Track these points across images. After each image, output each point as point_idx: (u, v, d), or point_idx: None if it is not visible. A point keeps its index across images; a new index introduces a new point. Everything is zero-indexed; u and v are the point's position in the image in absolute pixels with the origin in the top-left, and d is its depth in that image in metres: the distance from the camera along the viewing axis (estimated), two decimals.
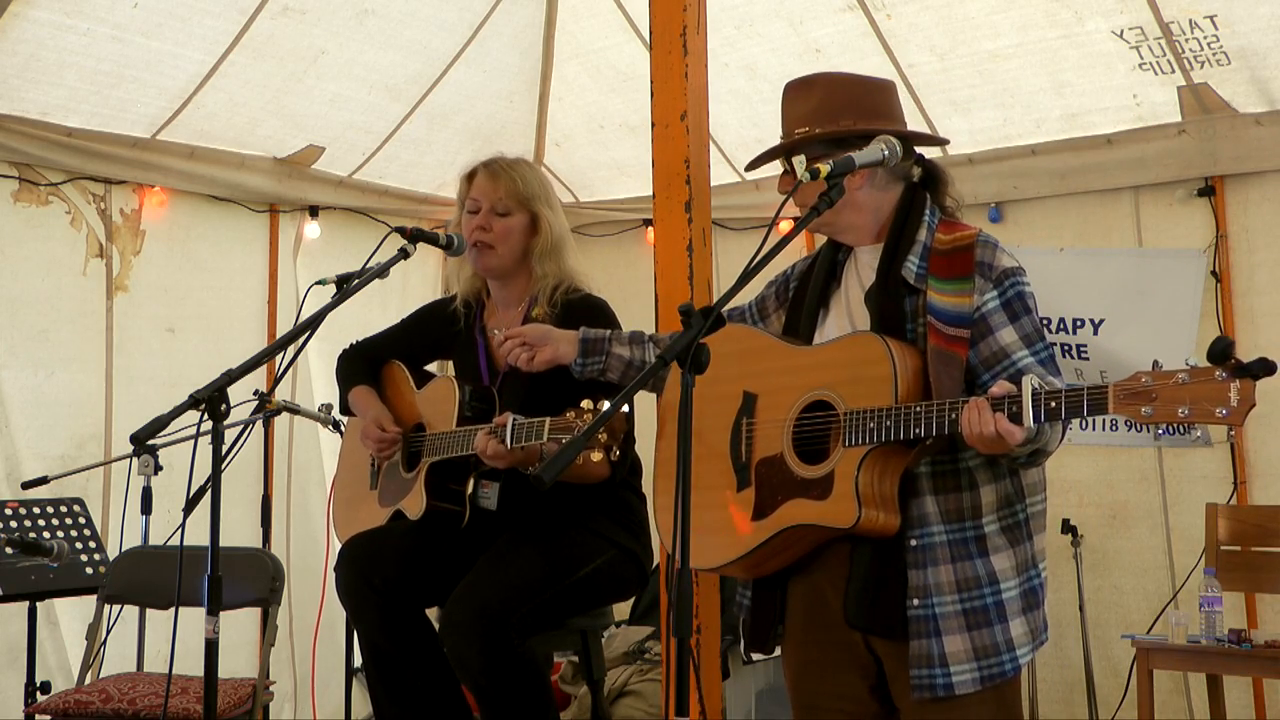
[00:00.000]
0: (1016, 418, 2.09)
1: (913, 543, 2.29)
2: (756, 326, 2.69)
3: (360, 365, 3.52)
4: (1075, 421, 2.41)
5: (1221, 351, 1.91)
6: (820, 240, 2.65)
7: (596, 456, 2.40)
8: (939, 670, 2.26)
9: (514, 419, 2.85)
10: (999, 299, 2.34)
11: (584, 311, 3.21)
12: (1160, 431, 4.35)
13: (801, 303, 2.57)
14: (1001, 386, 2.14)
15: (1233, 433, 4.49)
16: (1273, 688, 4.43)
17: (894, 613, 2.29)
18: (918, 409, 2.22)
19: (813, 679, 2.46)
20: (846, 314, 2.48)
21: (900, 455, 2.29)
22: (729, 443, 2.53)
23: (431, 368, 3.67)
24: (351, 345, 3.57)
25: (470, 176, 3.31)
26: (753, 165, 2.61)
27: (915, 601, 2.28)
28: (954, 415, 2.16)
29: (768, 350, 2.55)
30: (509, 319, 3.33)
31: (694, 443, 2.54)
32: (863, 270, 2.50)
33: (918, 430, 2.21)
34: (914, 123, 4.84)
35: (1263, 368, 1.88)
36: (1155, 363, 2.01)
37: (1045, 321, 4.41)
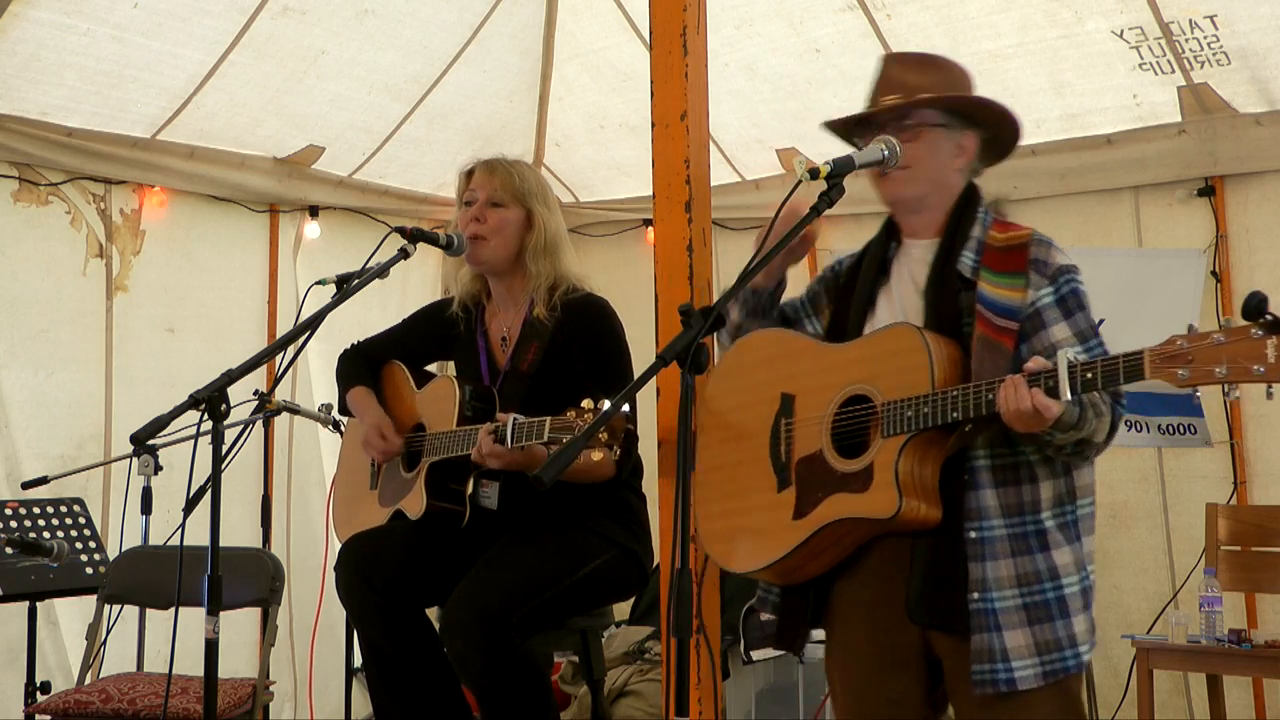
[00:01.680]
0: (1054, 392, 2.07)
1: (971, 535, 2.27)
2: (806, 323, 2.68)
3: (360, 366, 3.51)
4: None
5: (1256, 307, 1.88)
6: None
7: (597, 455, 2.40)
8: (1000, 665, 2.23)
9: (514, 418, 2.85)
10: (1054, 295, 2.33)
11: (585, 311, 3.21)
12: (1165, 428, 4.33)
13: (850, 297, 2.56)
14: (1037, 362, 2.13)
15: (1230, 439, 4.48)
16: (1273, 688, 4.43)
17: (957, 606, 2.26)
18: (954, 392, 2.21)
19: (865, 681, 2.43)
20: (899, 309, 2.47)
21: (940, 444, 2.28)
22: (769, 445, 2.52)
23: (434, 368, 3.67)
24: (351, 345, 3.57)
25: (469, 174, 3.33)
26: (849, 121, 2.59)
27: (975, 595, 2.25)
28: (990, 395, 2.15)
29: (803, 351, 2.54)
30: (509, 319, 3.33)
31: (734, 447, 2.57)
32: (915, 265, 2.49)
33: (955, 413, 2.20)
34: None
35: None
36: (1190, 325, 1.98)
37: None
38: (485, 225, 3.23)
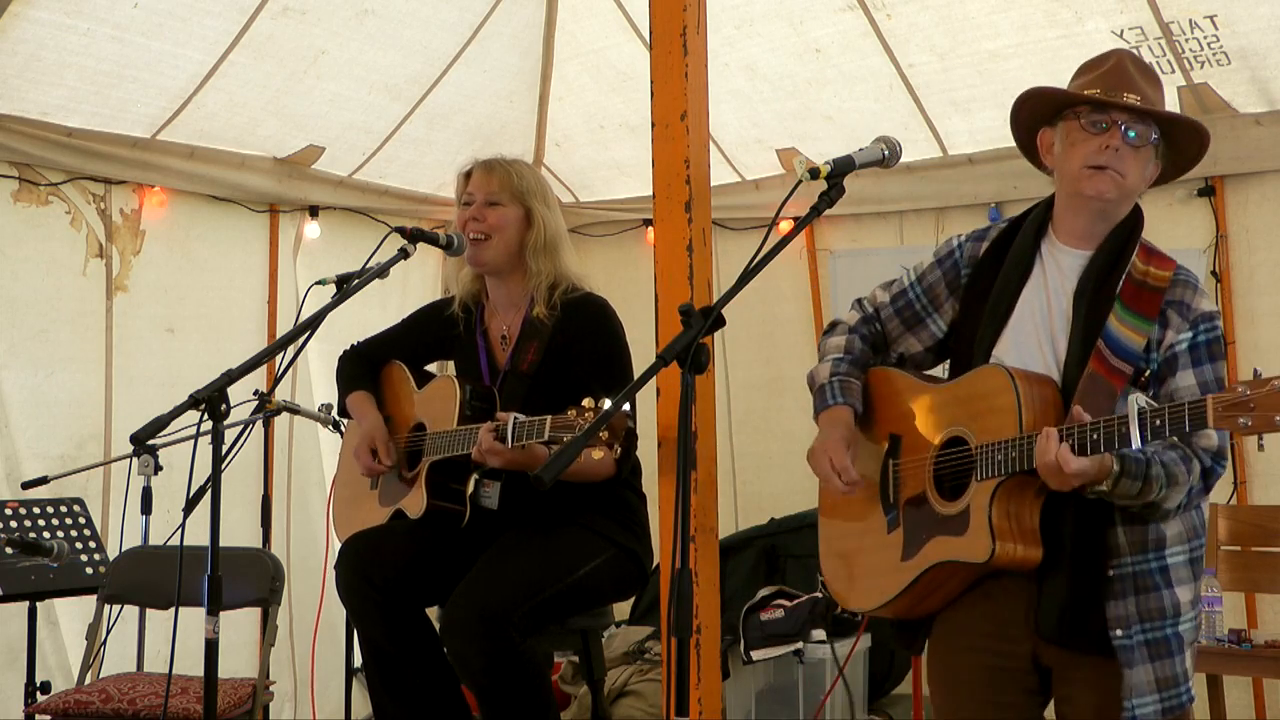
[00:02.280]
0: (1092, 448, 2.08)
1: (1110, 573, 2.27)
2: (929, 321, 2.60)
3: (360, 367, 3.51)
4: None
5: None
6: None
7: (598, 454, 2.39)
8: (1125, 703, 2.24)
9: (515, 417, 2.85)
10: (1190, 341, 2.30)
11: (585, 310, 3.21)
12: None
13: (983, 297, 2.48)
14: (1078, 414, 2.13)
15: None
16: (1273, 688, 4.43)
17: (1093, 632, 2.26)
18: (1032, 433, 2.19)
19: (973, 688, 2.44)
20: (1042, 318, 2.40)
21: (1035, 484, 2.26)
22: (879, 486, 2.55)
23: (434, 367, 3.67)
24: (351, 346, 3.57)
25: (468, 174, 3.33)
26: (1091, 101, 2.38)
27: (1119, 632, 2.25)
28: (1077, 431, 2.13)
29: (908, 390, 2.55)
30: (509, 319, 3.33)
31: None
32: (1065, 275, 2.41)
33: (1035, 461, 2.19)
34: (914, 123, 4.87)
35: None
36: (1255, 371, 1.97)
37: None
38: (484, 225, 3.23)
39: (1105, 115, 2.35)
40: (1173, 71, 4.40)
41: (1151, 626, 2.27)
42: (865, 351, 2.64)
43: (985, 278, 2.50)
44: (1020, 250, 2.46)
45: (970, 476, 2.33)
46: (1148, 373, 2.30)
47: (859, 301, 2.73)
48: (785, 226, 4.67)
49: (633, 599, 5.25)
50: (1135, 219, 2.42)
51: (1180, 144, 2.42)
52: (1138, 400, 2.06)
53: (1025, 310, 2.43)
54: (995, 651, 2.39)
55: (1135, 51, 4.32)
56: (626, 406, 2.39)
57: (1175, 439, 2.21)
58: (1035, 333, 2.40)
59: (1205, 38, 4.23)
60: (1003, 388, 2.29)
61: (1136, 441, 2.04)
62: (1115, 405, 2.22)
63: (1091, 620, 2.27)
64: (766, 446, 5.69)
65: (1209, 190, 4.63)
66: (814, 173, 2.31)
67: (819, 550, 2.72)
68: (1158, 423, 2.03)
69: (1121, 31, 4.33)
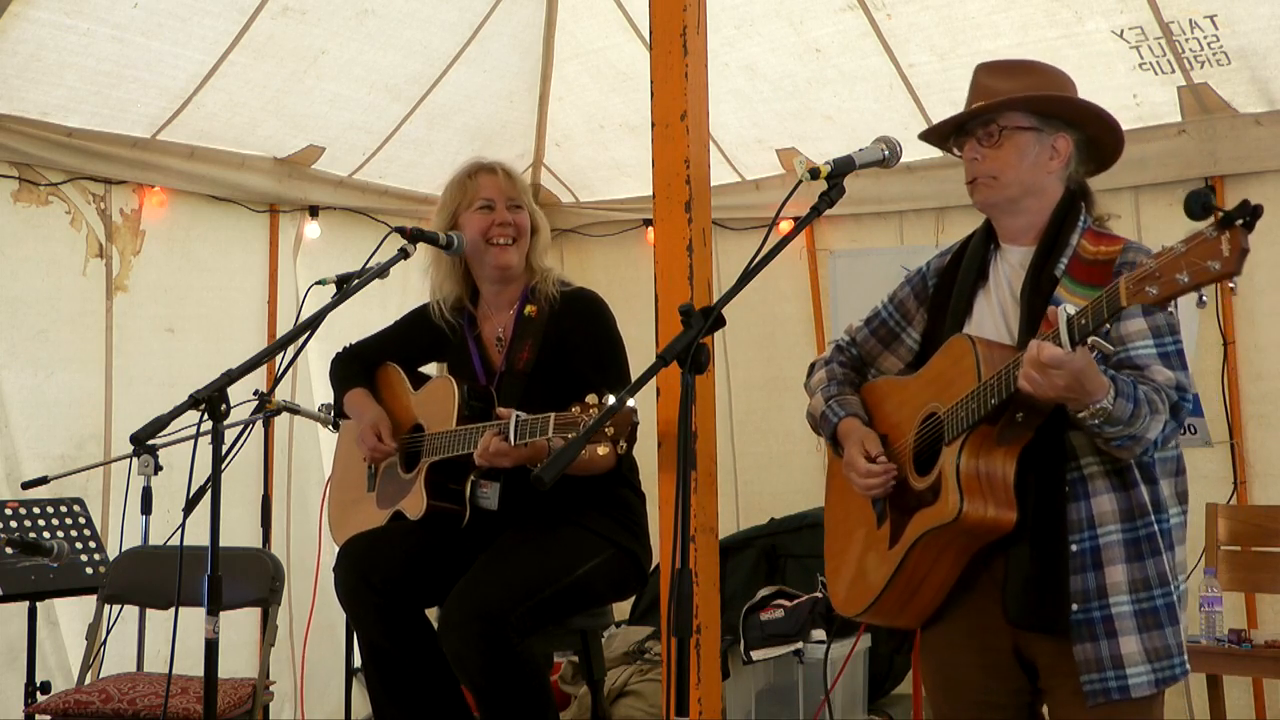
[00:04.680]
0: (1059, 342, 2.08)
1: (1074, 548, 2.25)
2: (903, 335, 2.65)
3: (355, 368, 3.51)
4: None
5: (1202, 207, 1.89)
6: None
7: (603, 450, 2.40)
8: (1112, 673, 2.22)
9: (516, 415, 2.85)
10: None
11: (577, 304, 3.25)
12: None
13: (946, 303, 2.53)
14: (1046, 324, 2.17)
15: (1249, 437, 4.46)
16: (1273, 688, 4.43)
17: (1058, 613, 2.25)
18: (989, 379, 2.21)
19: (964, 682, 2.44)
20: (998, 314, 2.45)
21: (1004, 447, 2.27)
22: None
23: (429, 369, 3.67)
24: (345, 348, 3.57)
25: (472, 175, 3.31)
26: (941, 128, 2.53)
27: (1076, 607, 2.24)
28: (1018, 368, 2.14)
29: (890, 391, 2.59)
30: (502, 321, 3.34)
31: (848, 497, 2.60)
32: (1013, 271, 2.46)
33: (993, 399, 2.20)
34: (914, 123, 4.86)
35: (1243, 210, 1.84)
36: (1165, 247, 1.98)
37: None
38: (514, 228, 3.26)
39: (960, 136, 2.47)
40: (1173, 71, 4.40)
41: (1141, 597, 2.25)
42: (848, 373, 2.70)
43: (946, 285, 2.55)
44: (973, 254, 2.53)
45: (942, 445, 2.34)
46: None
47: (835, 341, 2.79)
48: (785, 226, 4.68)
49: (632, 599, 5.24)
50: (1068, 203, 2.44)
51: (1065, 115, 2.42)
52: (1065, 309, 2.08)
53: (982, 309, 2.47)
54: (981, 648, 2.39)
55: (1137, 50, 4.35)
56: (632, 402, 2.39)
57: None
58: (995, 330, 2.42)
59: (1205, 38, 4.23)
60: (964, 352, 2.32)
61: (1066, 345, 2.04)
62: None
63: (1052, 598, 2.24)
64: (767, 446, 5.69)
65: (1209, 190, 4.62)
66: (814, 173, 2.32)
67: (826, 551, 2.73)
68: (1083, 321, 2.04)
69: (1121, 31, 4.33)
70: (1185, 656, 2.29)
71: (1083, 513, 2.27)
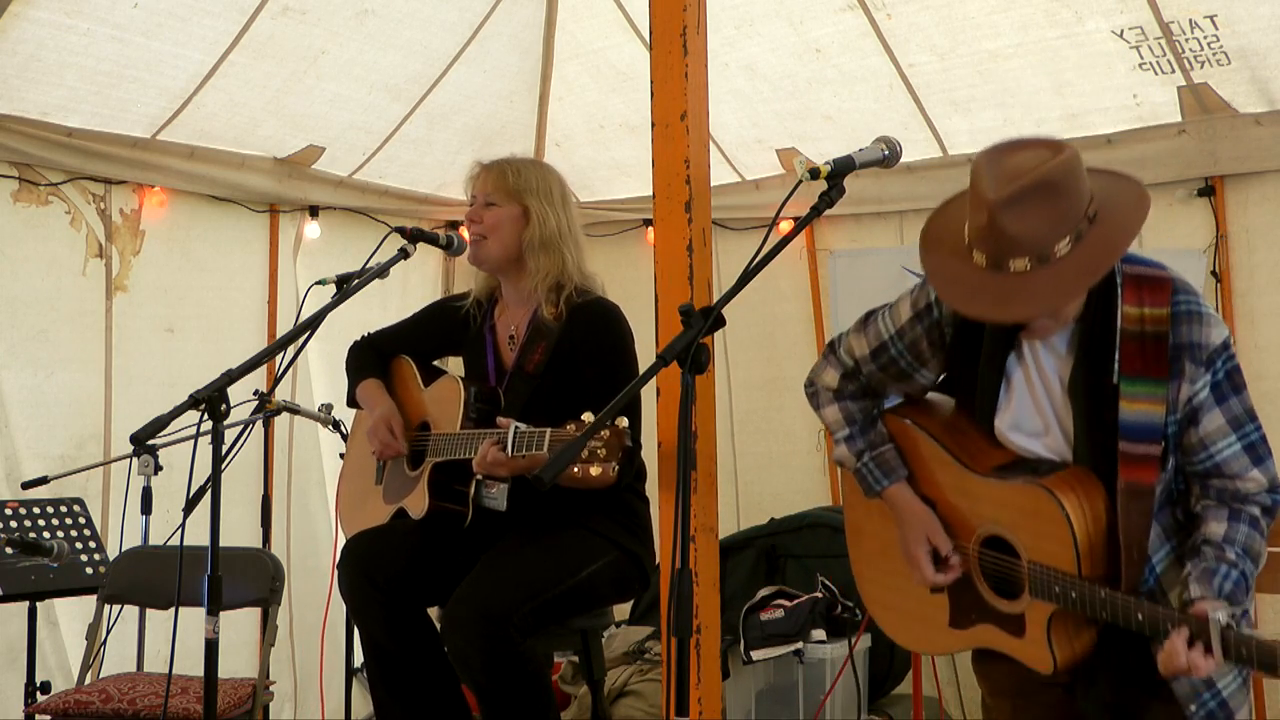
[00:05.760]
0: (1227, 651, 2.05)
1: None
2: (917, 376, 2.55)
3: (371, 358, 3.54)
4: None
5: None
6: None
7: (595, 471, 2.40)
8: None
9: (515, 426, 2.86)
10: (1210, 381, 2.20)
11: (593, 314, 3.21)
12: None
13: (971, 361, 2.41)
14: (1198, 609, 2.10)
15: None
16: (1273, 688, 4.43)
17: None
18: (1103, 594, 2.18)
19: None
20: (1046, 405, 2.34)
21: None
22: None
23: (442, 363, 3.68)
24: (363, 337, 3.60)
25: (472, 174, 3.38)
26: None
27: (1192, 708, 2.22)
28: (1140, 617, 2.13)
29: (939, 463, 2.52)
30: (517, 317, 3.35)
31: (877, 528, 2.62)
32: (1051, 354, 2.33)
33: (1105, 614, 2.20)
34: (914, 123, 4.87)
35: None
36: None
37: None
38: (480, 225, 3.27)
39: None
40: (1173, 71, 4.40)
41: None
42: (864, 406, 2.63)
43: (969, 340, 2.42)
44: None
45: (1020, 584, 2.34)
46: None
47: (832, 350, 2.66)
48: (785, 226, 4.67)
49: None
50: (1104, 287, 2.24)
51: (1107, 208, 2.18)
52: (1218, 618, 2.04)
53: (1022, 393, 2.38)
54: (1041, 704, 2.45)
55: (1137, 51, 4.34)
56: (626, 423, 2.39)
57: (1219, 499, 2.22)
58: (1036, 414, 2.36)
59: (1205, 37, 4.23)
60: (1055, 518, 2.24)
61: (1219, 656, 2.03)
62: (1153, 504, 2.21)
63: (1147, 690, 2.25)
64: (767, 446, 5.69)
65: (1209, 190, 4.62)
66: (814, 173, 2.32)
67: (860, 577, 2.75)
68: (1243, 652, 2.02)
69: (1121, 31, 4.33)
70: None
71: None
